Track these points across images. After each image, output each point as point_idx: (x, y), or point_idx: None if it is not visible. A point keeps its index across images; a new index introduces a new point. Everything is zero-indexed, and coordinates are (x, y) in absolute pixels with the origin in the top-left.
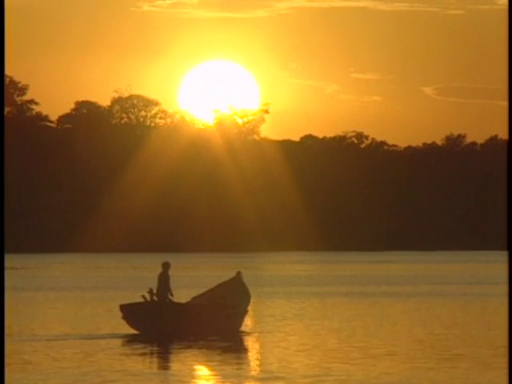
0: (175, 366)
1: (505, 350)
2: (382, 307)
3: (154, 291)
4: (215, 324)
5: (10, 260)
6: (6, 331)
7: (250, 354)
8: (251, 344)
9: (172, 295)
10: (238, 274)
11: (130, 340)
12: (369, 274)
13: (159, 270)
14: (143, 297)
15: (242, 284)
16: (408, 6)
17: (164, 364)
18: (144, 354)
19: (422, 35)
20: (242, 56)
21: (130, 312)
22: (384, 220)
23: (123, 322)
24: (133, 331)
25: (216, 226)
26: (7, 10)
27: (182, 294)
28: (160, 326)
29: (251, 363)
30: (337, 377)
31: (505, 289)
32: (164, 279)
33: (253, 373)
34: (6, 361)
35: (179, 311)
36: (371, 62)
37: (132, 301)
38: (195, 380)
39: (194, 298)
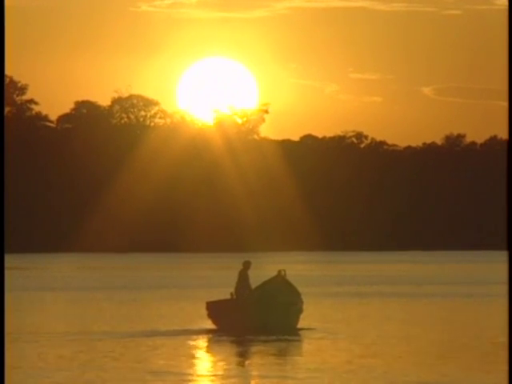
0: (248, 361)
1: (505, 350)
2: (381, 307)
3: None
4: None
5: (10, 260)
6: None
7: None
8: (312, 341)
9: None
10: (280, 272)
11: (210, 337)
12: (369, 274)
13: (159, 270)
14: (231, 294)
15: (288, 282)
16: (406, 6)
17: (230, 362)
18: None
19: (421, 35)
20: (242, 56)
21: (214, 309)
22: (384, 220)
23: (127, 322)
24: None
25: (216, 225)
26: (7, 9)
27: (187, 294)
28: (240, 323)
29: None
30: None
31: (505, 289)
32: (243, 277)
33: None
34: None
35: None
36: (371, 62)
37: (218, 298)
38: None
39: None
